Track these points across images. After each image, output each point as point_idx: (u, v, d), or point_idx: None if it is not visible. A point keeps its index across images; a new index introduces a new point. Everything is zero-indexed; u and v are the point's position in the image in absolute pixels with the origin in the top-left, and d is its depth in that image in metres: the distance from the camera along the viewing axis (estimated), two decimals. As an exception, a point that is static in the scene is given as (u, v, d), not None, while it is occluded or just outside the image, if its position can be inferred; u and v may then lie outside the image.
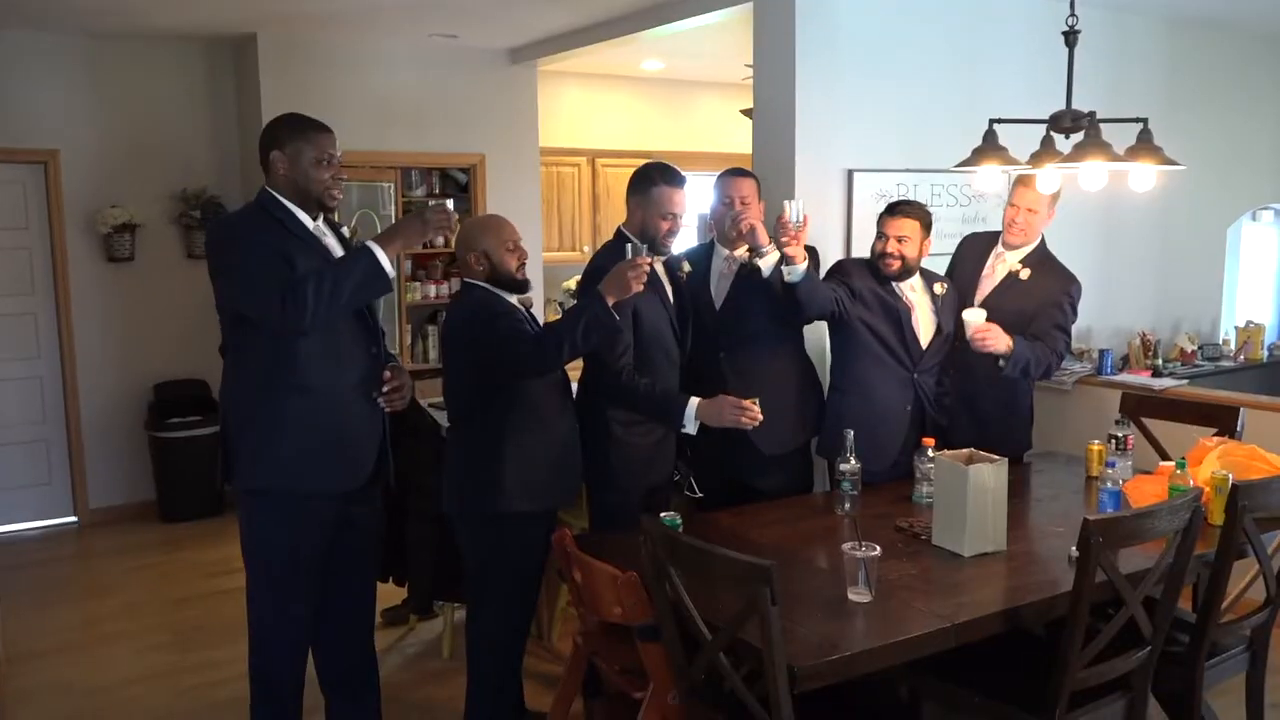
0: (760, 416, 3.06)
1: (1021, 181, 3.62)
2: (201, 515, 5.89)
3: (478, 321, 2.97)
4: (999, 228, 3.83)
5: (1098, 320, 5.35)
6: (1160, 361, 5.21)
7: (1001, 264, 3.76)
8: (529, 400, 3.00)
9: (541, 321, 3.22)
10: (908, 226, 3.51)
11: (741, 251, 3.49)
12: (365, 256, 2.68)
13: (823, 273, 3.68)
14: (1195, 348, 5.52)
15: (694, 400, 3.13)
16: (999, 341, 3.43)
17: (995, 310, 3.57)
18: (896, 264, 3.53)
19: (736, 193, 3.45)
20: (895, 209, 3.57)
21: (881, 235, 3.56)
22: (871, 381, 3.56)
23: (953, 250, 4.08)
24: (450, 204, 2.87)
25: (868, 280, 3.59)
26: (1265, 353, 5.73)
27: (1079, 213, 4.92)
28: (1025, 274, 3.69)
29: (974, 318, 3.47)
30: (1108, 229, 5.33)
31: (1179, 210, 5.50)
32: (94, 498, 5.97)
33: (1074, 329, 5.15)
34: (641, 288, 2.91)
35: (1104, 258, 5.34)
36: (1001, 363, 3.47)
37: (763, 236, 3.30)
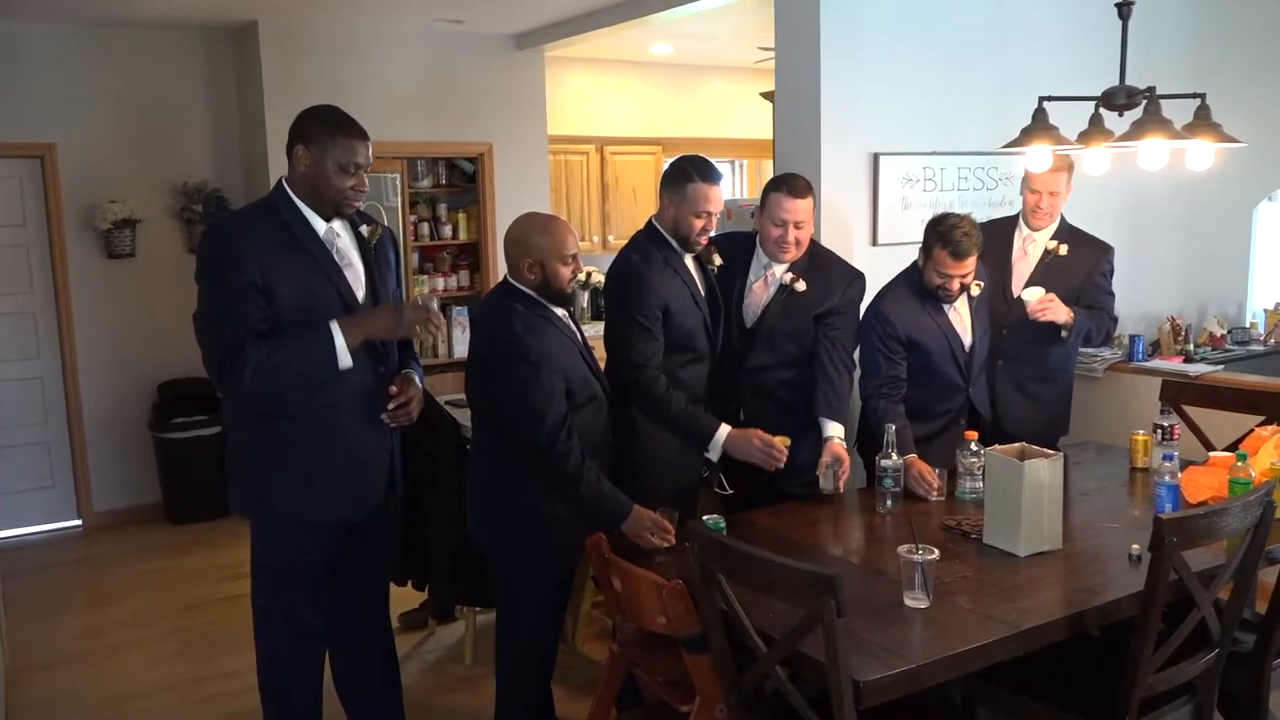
0: (784, 461, 2.98)
1: (1051, 171, 3.53)
2: (209, 517, 5.75)
3: (505, 362, 2.70)
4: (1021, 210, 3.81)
5: (1125, 305, 5.18)
6: (1192, 347, 5.08)
7: (1033, 245, 3.71)
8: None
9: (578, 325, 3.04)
10: (972, 264, 3.27)
11: (784, 271, 3.28)
12: (323, 340, 2.51)
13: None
14: (1225, 332, 5.39)
15: (724, 428, 3.01)
16: (1060, 312, 3.43)
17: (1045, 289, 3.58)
18: (958, 294, 3.36)
19: (789, 216, 3.18)
20: (959, 250, 3.21)
21: (946, 276, 3.27)
22: (925, 406, 3.38)
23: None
24: (435, 303, 2.66)
25: (907, 308, 3.37)
26: (1296, 335, 5.59)
27: (1104, 195, 4.78)
28: (1064, 249, 3.67)
29: (1032, 295, 3.47)
30: (1133, 211, 5.19)
31: (1205, 191, 5.35)
32: (98, 500, 5.84)
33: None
34: (652, 545, 2.75)
35: (1130, 240, 5.20)
36: (1064, 333, 3.50)
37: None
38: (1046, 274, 3.63)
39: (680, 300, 3.10)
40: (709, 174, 3.10)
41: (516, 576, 2.88)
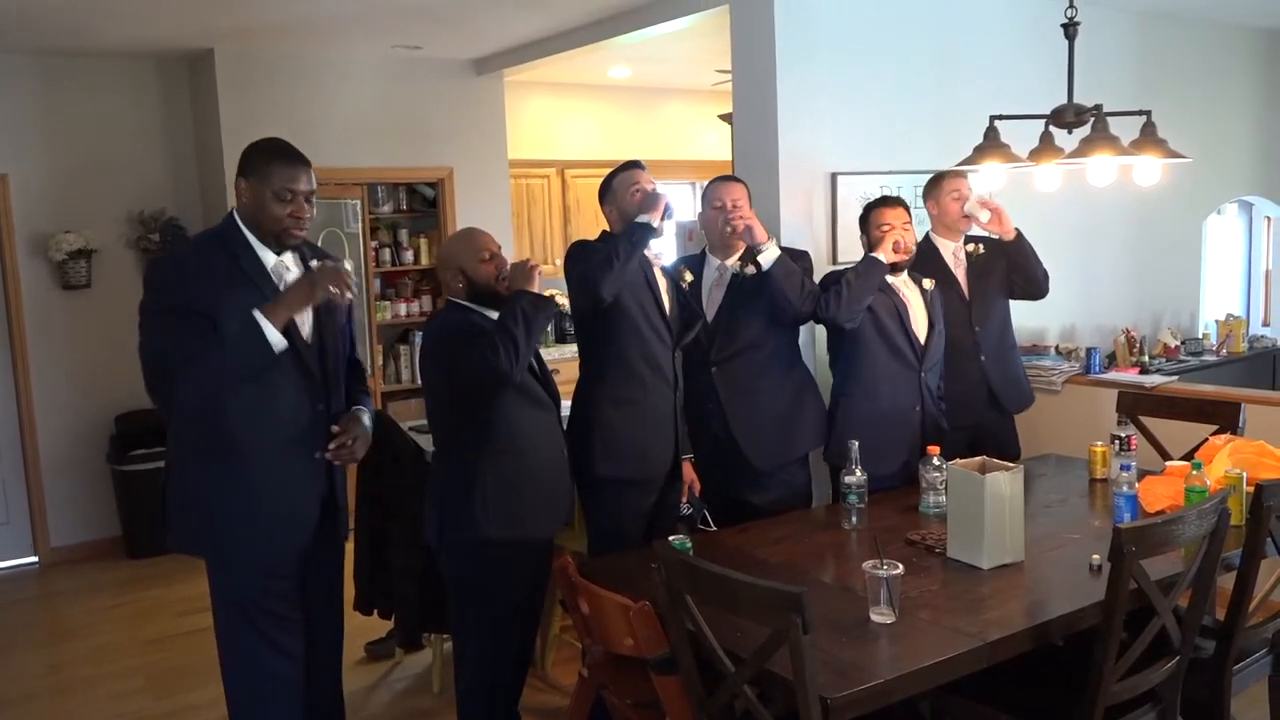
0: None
1: (957, 175, 3.78)
2: (170, 550, 5.62)
3: (446, 343, 2.83)
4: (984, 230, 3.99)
5: (1081, 318, 5.31)
6: (1147, 358, 5.17)
7: (961, 253, 3.93)
8: (507, 425, 2.85)
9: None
10: (904, 215, 3.53)
11: (733, 260, 3.43)
12: (251, 331, 2.47)
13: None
14: (1178, 343, 5.49)
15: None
16: (1007, 220, 3.67)
17: (984, 291, 3.87)
18: (907, 252, 3.55)
19: (729, 196, 3.40)
20: (885, 201, 3.59)
21: (884, 226, 3.51)
22: (879, 383, 3.52)
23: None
24: (348, 264, 2.61)
25: None
26: (1246, 345, 5.72)
27: (1058, 211, 4.88)
28: (981, 248, 3.93)
29: (973, 203, 3.78)
30: (1087, 227, 5.29)
31: (1155, 205, 5.47)
32: (55, 536, 5.72)
33: (1058, 328, 5.23)
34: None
35: (1085, 255, 5.31)
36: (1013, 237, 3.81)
37: (760, 233, 3.33)
38: (981, 275, 3.90)
39: (630, 279, 3.17)
40: (626, 166, 3.30)
41: (468, 593, 2.89)
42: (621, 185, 3.25)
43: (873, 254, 3.47)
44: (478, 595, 2.89)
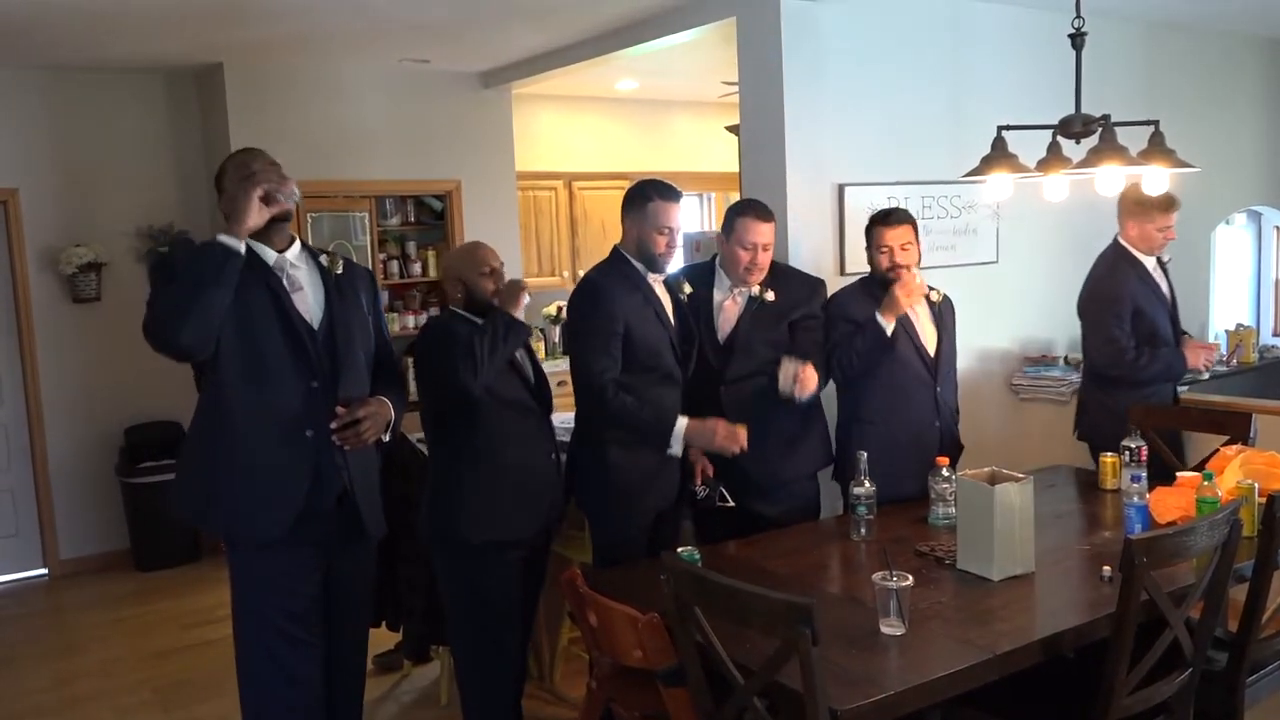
0: (744, 444, 3.05)
1: (1174, 211, 3.92)
2: (178, 563, 5.67)
3: (427, 355, 2.95)
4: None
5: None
6: (1156, 368, 5.13)
7: (1158, 270, 4.12)
8: (488, 435, 2.93)
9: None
10: (906, 233, 3.47)
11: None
12: (212, 245, 2.52)
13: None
14: (1188, 353, 5.45)
15: (682, 419, 3.06)
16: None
17: None
18: (909, 271, 3.46)
19: (759, 240, 3.32)
20: (887, 218, 3.50)
21: (883, 248, 3.46)
22: (897, 407, 3.46)
23: (948, 263, 4.09)
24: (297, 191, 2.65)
25: (868, 307, 3.46)
26: (1257, 355, 5.68)
27: (1066, 222, 4.87)
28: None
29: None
30: (1094, 236, 5.24)
31: (1164, 215, 5.46)
32: (64, 548, 5.74)
33: (1066, 339, 5.22)
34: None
35: (1090, 265, 5.28)
36: None
37: (811, 387, 3.23)
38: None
39: (641, 315, 3.12)
40: (667, 192, 3.16)
41: (459, 593, 2.97)
42: (653, 215, 3.11)
43: (879, 318, 3.37)
44: (470, 593, 2.97)
